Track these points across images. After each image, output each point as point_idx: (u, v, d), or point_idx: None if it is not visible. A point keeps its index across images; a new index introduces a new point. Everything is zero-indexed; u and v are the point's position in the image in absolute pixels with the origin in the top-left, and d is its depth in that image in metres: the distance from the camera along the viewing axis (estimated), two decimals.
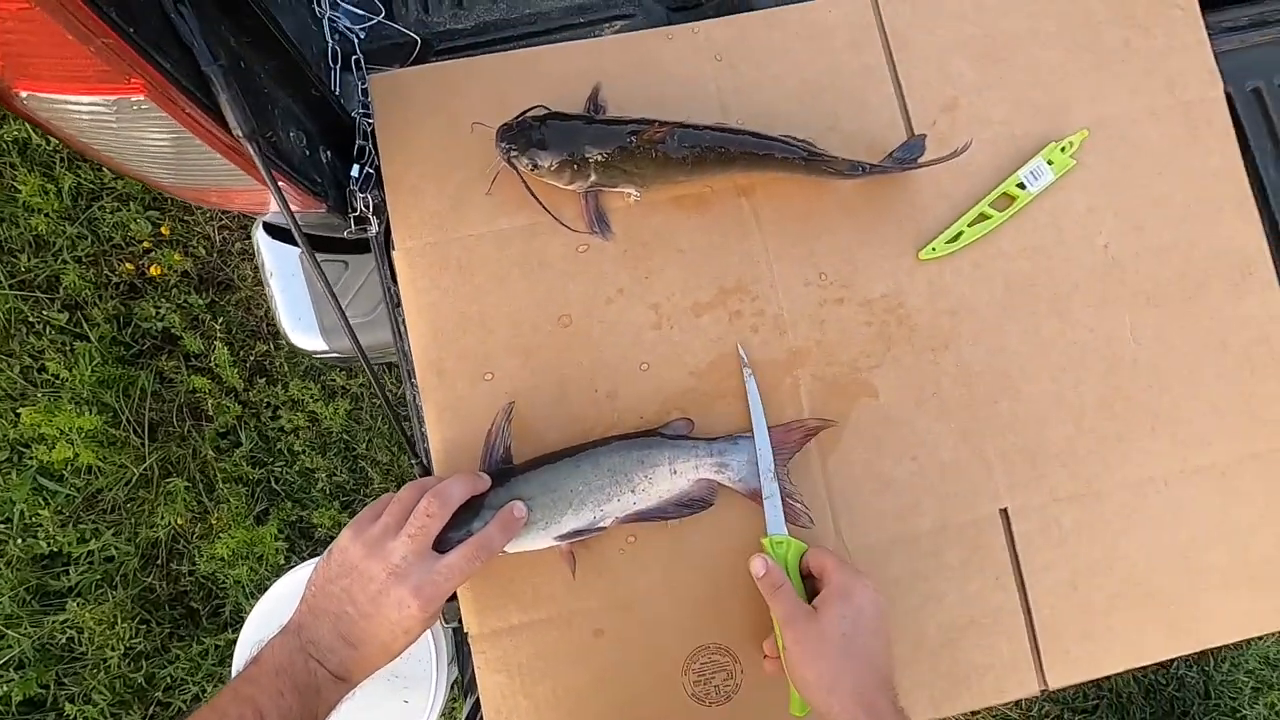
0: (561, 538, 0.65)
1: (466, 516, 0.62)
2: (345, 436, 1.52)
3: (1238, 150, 0.78)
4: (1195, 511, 0.73)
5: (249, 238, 1.58)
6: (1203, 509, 0.73)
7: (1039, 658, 0.70)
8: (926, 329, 0.73)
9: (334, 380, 1.52)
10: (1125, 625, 0.71)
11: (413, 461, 0.73)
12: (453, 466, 0.69)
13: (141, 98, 0.48)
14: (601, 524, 0.66)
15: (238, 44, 0.57)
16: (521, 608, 0.68)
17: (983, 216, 0.74)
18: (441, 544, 0.59)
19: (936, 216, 0.75)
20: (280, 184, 0.61)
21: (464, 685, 0.75)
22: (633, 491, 0.66)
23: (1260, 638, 1.08)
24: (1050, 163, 0.75)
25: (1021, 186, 0.74)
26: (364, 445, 1.52)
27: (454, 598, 0.69)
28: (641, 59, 0.76)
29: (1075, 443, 0.73)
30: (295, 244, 0.86)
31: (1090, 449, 0.73)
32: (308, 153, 0.69)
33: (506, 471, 0.66)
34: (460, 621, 0.69)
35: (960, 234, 0.74)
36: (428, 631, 0.77)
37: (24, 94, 0.47)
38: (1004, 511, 0.72)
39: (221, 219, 1.56)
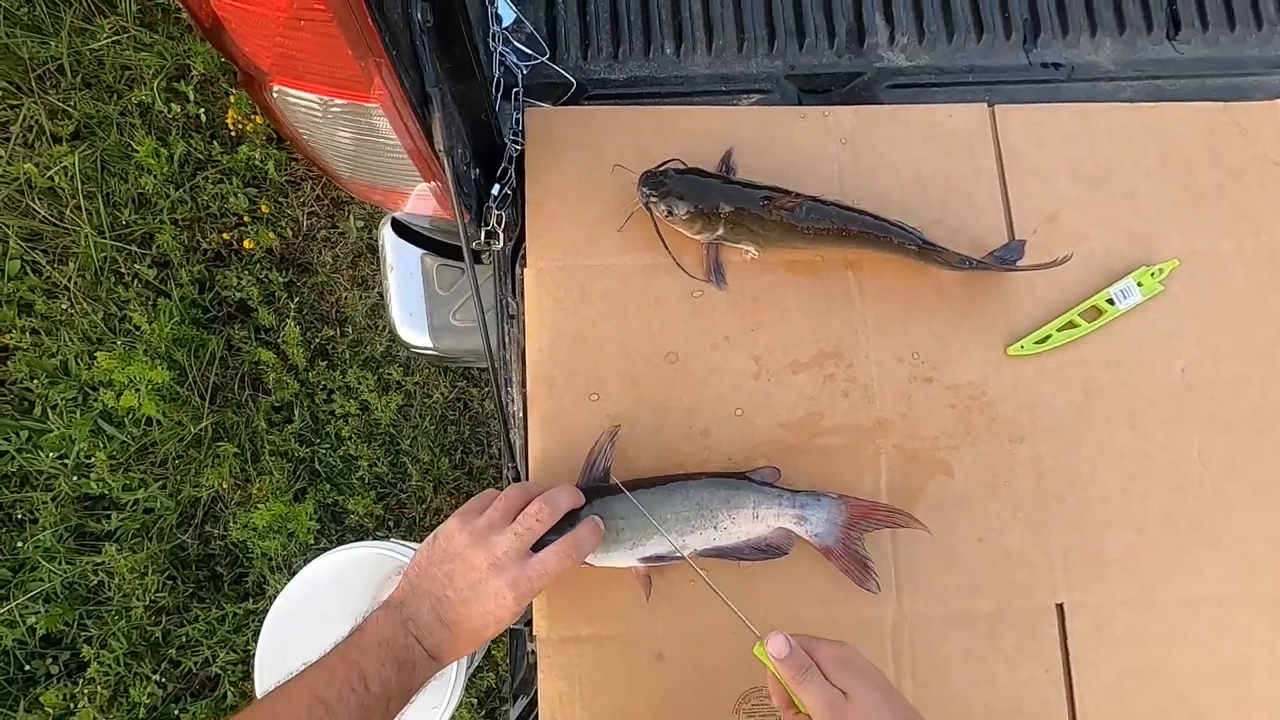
0: (643, 560, 0.69)
1: (563, 526, 0.66)
2: (392, 430, 1.56)
3: None
4: (1249, 639, 0.75)
5: (334, 227, 1.66)
6: (1257, 637, 0.76)
7: None
8: (1006, 420, 0.77)
9: (391, 374, 1.57)
10: None
11: (510, 466, 0.77)
12: (548, 475, 0.73)
13: (375, 106, 0.54)
14: (682, 553, 0.70)
15: (442, 69, 0.64)
16: (590, 620, 0.71)
17: (1071, 324, 0.79)
18: (538, 547, 0.63)
19: (1028, 317, 0.80)
20: (436, 189, 0.67)
21: (515, 688, 0.77)
22: (715, 528, 0.70)
23: None
24: (1140, 284, 0.80)
25: (1110, 302, 0.79)
26: (408, 442, 1.56)
27: None
28: (773, 131, 0.82)
29: (1136, 550, 0.76)
30: (420, 245, 0.92)
31: (1150, 559, 0.76)
32: (465, 168, 0.76)
33: (603, 489, 0.70)
34: (526, 623, 0.73)
35: (1049, 337, 0.79)
36: None
37: (277, 86, 0.53)
38: (1060, 606, 0.75)
39: (312, 205, 1.64)
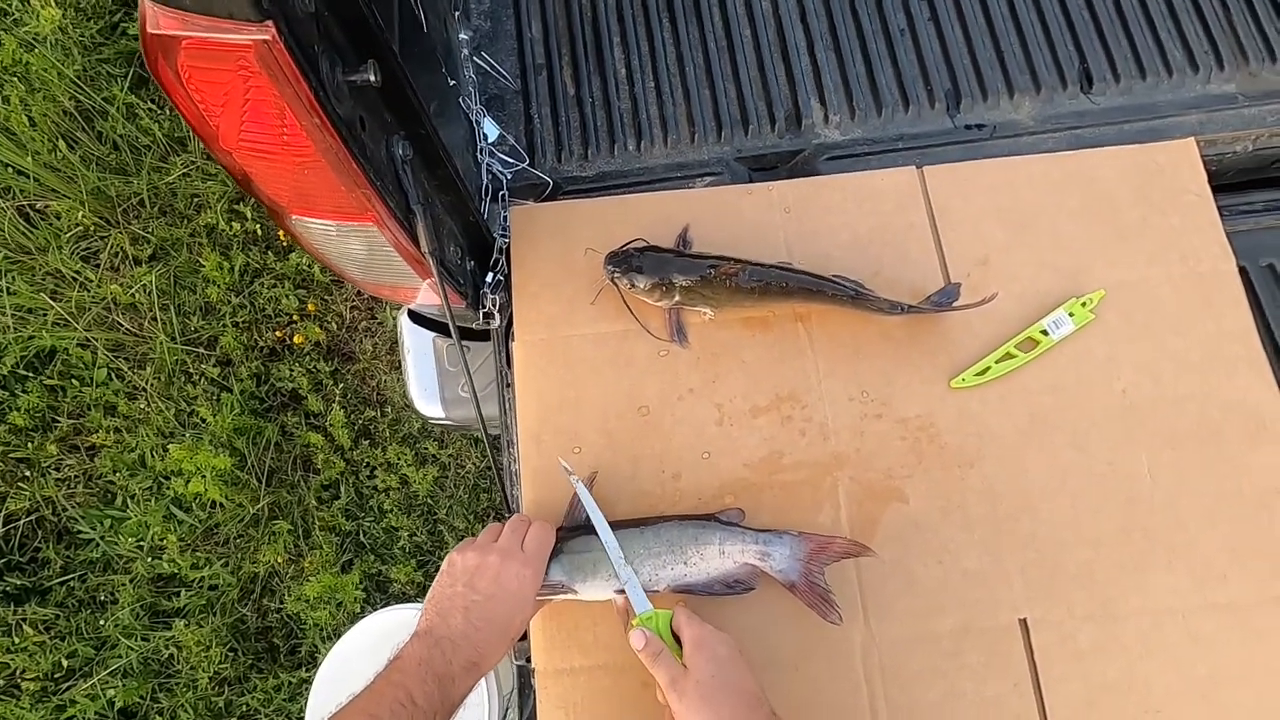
0: (620, 591, 0.77)
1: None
2: (429, 501, 1.69)
3: (1250, 315, 0.87)
4: (1216, 648, 0.78)
5: (374, 318, 1.84)
6: (1224, 646, 0.78)
7: None
8: (954, 448, 0.84)
9: (427, 448, 1.70)
10: None
11: (506, 517, 0.87)
12: None
13: (366, 224, 0.68)
14: (655, 587, 0.77)
15: (430, 186, 0.78)
16: (583, 651, 0.79)
17: (1009, 355, 0.86)
18: None
19: (967, 352, 0.87)
20: (433, 284, 0.80)
21: (524, 719, 0.85)
22: (685, 564, 0.78)
23: None
24: (1071, 315, 0.87)
25: (1045, 333, 0.86)
26: (444, 511, 1.68)
27: (525, 637, 0.81)
28: (724, 208, 0.94)
29: (1093, 565, 0.80)
30: (431, 329, 1.06)
31: (1108, 574, 0.80)
32: (459, 262, 0.89)
33: (582, 528, 0.79)
34: (528, 660, 0.81)
35: (988, 369, 0.86)
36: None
37: (295, 217, 0.68)
38: (1023, 621, 0.79)
39: (354, 300, 1.83)
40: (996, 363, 0.86)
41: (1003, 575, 0.80)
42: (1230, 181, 1.04)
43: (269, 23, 0.46)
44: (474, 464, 1.72)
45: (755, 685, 0.67)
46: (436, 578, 0.73)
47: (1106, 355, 0.87)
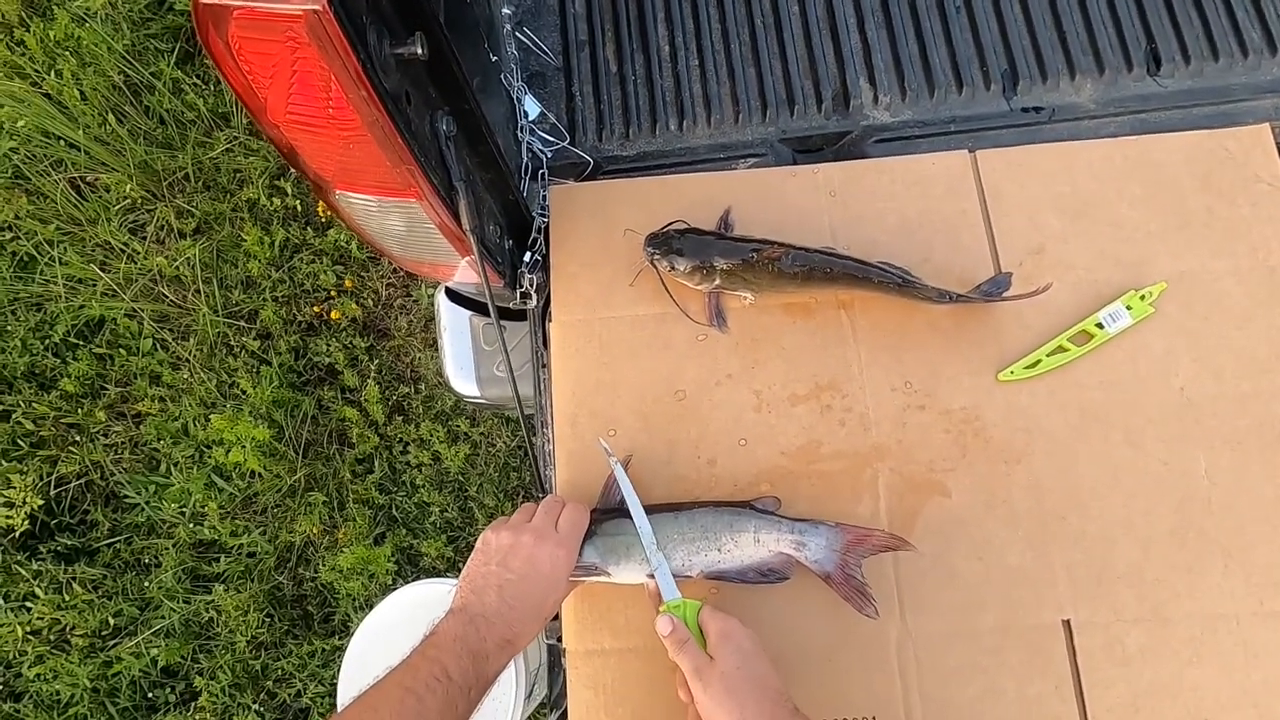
0: (652, 576, 0.77)
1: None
2: (460, 478, 1.70)
3: None
4: (1270, 656, 0.75)
5: (409, 295, 1.86)
6: (1277, 655, 0.75)
7: None
8: (1000, 442, 0.81)
9: (459, 426, 1.72)
10: None
11: (539, 497, 0.87)
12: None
13: (410, 200, 0.68)
14: (688, 573, 0.77)
15: (471, 163, 0.78)
16: (614, 634, 0.79)
17: (1061, 349, 0.83)
18: None
19: (1017, 344, 0.84)
20: (472, 261, 0.80)
21: (552, 700, 0.86)
22: (719, 550, 0.77)
23: None
24: (1129, 308, 0.83)
25: (1100, 326, 0.83)
26: (475, 488, 1.70)
27: (558, 617, 0.81)
28: (768, 190, 0.92)
29: (1143, 567, 0.77)
30: (468, 308, 1.06)
31: (1158, 576, 0.77)
32: (498, 241, 0.89)
33: (617, 510, 0.79)
34: (559, 639, 0.81)
35: (1038, 362, 0.83)
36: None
37: (339, 192, 0.68)
38: (1067, 623, 0.77)
39: (390, 277, 1.85)
40: (1048, 356, 0.83)
41: (1048, 573, 0.78)
42: None
43: None
44: (504, 443, 1.73)
45: (778, 680, 0.67)
46: (471, 556, 0.73)
47: (1165, 350, 0.83)
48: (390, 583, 1.64)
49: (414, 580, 1.44)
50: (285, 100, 0.58)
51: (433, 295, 1.82)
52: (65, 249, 1.79)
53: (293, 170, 1.89)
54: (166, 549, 1.62)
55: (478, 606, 0.68)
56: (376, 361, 1.77)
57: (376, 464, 1.71)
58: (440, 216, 0.71)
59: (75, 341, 1.77)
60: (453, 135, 0.68)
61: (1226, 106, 0.93)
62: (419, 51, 0.55)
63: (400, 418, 1.74)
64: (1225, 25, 0.96)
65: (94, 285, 1.77)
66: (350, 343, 1.78)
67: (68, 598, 1.59)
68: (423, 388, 1.76)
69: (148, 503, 1.66)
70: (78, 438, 1.71)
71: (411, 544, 1.66)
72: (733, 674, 0.65)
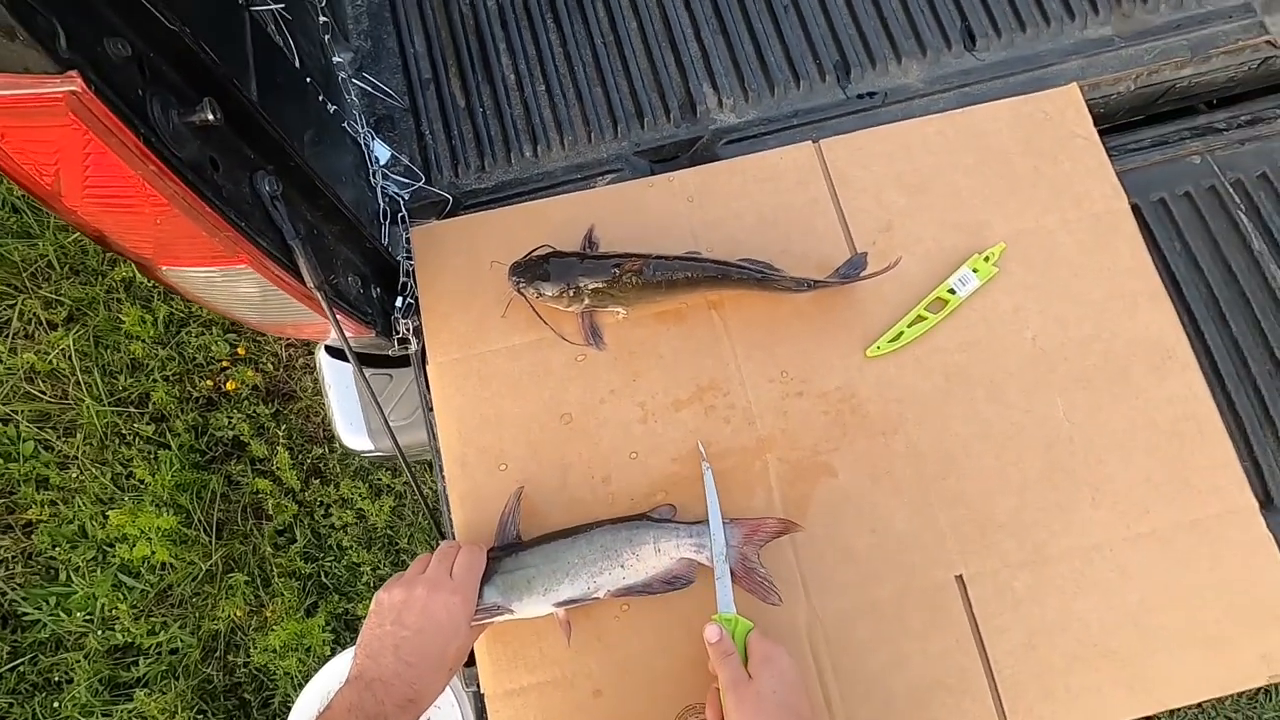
0: (559, 604, 0.76)
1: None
2: (389, 532, 1.65)
3: (1146, 251, 0.90)
4: (1142, 575, 0.80)
5: (311, 354, 1.80)
6: (1149, 573, 0.80)
7: (1004, 717, 0.76)
8: (876, 416, 0.84)
9: (380, 479, 1.67)
10: (1084, 685, 0.76)
11: (438, 542, 0.85)
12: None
13: (245, 266, 0.66)
14: (595, 595, 0.77)
15: (313, 217, 0.76)
16: (530, 669, 0.78)
17: (920, 318, 0.87)
18: None
19: (880, 320, 0.88)
20: (339, 317, 0.78)
21: None
22: (622, 567, 0.77)
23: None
24: (975, 270, 0.88)
25: (952, 292, 0.87)
26: (405, 540, 1.65)
27: (472, 663, 0.80)
28: (628, 204, 0.94)
29: (1020, 513, 0.81)
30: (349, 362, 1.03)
31: (1035, 519, 0.81)
32: (361, 291, 0.87)
33: (514, 546, 0.78)
34: (479, 684, 0.79)
35: (901, 334, 0.86)
36: (454, 699, 0.87)
37: (165, 268, 0.65)
38: (959, 578, 0.80)
39: (289, 339, 1.79)
40: (909, 327, 0.87)
41: (935, 534, 0.81)
42: (1122, 121, 1.07)
43: (73, 72, 0.44)
44: (429, 489, 1.69)
45: (812, 713, 0.67)
46: (365, 619, 0.71)
47: (1013, 306, 0.88)
48: (329, 653, 1.57)
49: (352, 646, 1.39)
50: (81, 182, 0.55)
51: (315, 353, 1.77)
52: None
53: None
54: (77, 662, 1.51)
55: (374, 671, 0.66)
56: (285, 426, 1.71)
57: (298, 532, 1.64)
58: (280, 278, 0.69)
59: None
60: (278, 194, 0.66)
61: (1039, 71, 1.00)
62: (210, 117, 0.54)
63: (317, 480, 1.68)
64: None
65: None
66: (254, 411, 1.71)
67: None
68: (337, 447, 1.70)
69: (50, 616, 1.54)
70: None
71: (346, 609, 1.60)
72: (768, 696, 0.65)
